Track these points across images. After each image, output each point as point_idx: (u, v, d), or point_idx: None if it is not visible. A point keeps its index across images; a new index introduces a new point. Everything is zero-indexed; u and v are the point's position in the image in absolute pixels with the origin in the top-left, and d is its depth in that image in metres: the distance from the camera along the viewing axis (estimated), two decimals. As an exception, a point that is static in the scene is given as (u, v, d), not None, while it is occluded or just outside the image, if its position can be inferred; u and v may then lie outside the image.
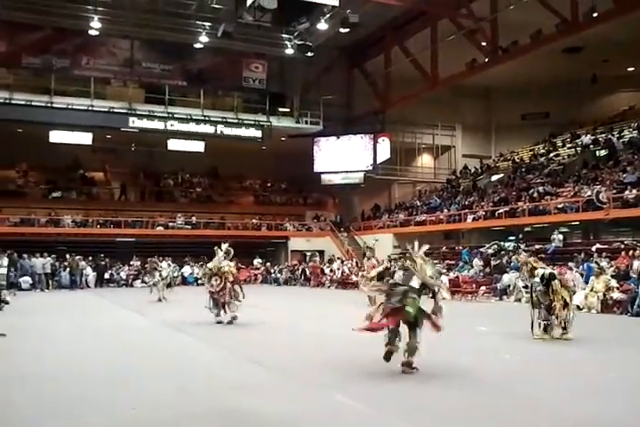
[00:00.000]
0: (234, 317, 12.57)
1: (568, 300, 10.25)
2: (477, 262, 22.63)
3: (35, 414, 5.80)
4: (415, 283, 7.46)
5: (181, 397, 6.36)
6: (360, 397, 6.30)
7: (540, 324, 10.29)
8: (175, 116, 30.78)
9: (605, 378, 7.41)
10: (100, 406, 6.04)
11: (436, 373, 7.63)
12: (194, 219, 31.98)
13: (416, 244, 7.92)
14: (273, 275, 30.78)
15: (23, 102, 28.00)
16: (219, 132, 31.39)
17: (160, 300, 18.96)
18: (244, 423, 5.50)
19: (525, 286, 18.57)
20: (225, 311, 12.71)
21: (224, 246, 13.21)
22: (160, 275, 19.44)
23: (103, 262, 27.90)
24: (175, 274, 27.60)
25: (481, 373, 7.70)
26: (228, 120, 31.97)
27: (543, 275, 10.23)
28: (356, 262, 27.31)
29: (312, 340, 10.63)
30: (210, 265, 13.03)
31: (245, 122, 32.23)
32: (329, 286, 27.86)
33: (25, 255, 24.95)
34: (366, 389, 6.74)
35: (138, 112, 30.11)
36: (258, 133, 32.01)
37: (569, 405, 6.14)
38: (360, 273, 19.18)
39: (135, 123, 29.43)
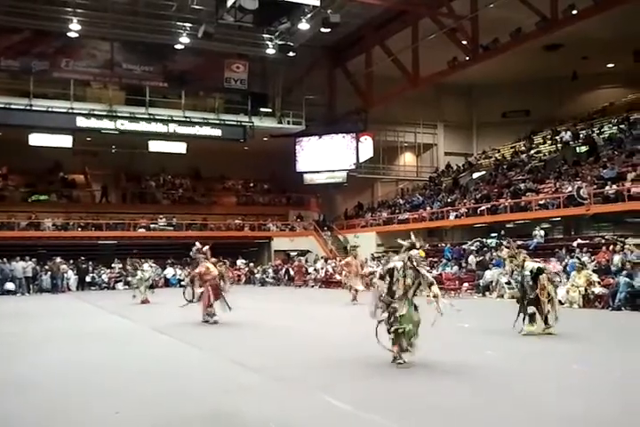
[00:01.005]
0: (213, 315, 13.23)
1: (553, 294, 10.46)
2: (473, 260, 22.55)
3: (18, 420, 5.75)
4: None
5: (170, 400, 6.34)
6: (348, 398, 6.29)
7: (525, 317, 10.41)
8: (156, 117, 30.60)
9: (590, 374, 7.46)
10: (85, 412, 5.99)
11: (420, 371, 7.66)
12: (174, 220, 31.75)
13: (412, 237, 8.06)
14: (257, 275, 30.68)
15: (2, 105, 27.70)
16: (200, 133, 31.22)
17: (143, 302, 18.87)
18: (234, 425, 5.48)
19: (508, 282, 18.79)
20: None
21: (197, 246, 13.92)
22: (142, 277, 19.34)
23: (85, 265, 27.70)
24: (157, 276, 27.67)
25: (464, 369, 7.74)
26: (210, 121, 31.85)
27: (532, 269, 10.44)
28: (339, 260, 27.30)
29: (299, 341, 10.62)
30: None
31: (227, 122, 32.12)
32: (312, 286, 27.85)
33: (5, 259, 24.69)
34: (354, 389, 6.75)
35: (119, 114, 29.90)
36: (240, 134, 31.90)
37: (555, 401, 6.17)
38: (344, 272, 19.16)
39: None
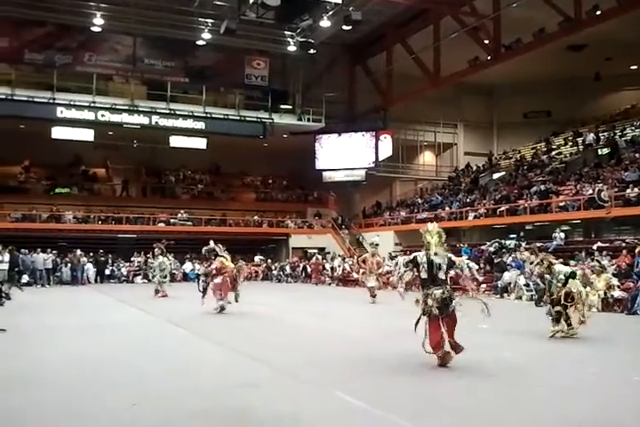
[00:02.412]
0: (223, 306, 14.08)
1: (582, 297, 10.30)
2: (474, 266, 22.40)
3: (36, 412, 5.82)
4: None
5: (185, 394, 6.37)
6: (362, 395, 6.30)
7: (552, 318, 10.36)
8: (177, 113, 30.77)
9: (607, 377, 7.42)
10: (103, 403, 6.06)
11: (437, 370, 7.66)
12: (185, 215, 31.77)
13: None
14: (274, 272, 30.76)
15: (25, 98, 28.00)
16: (220, 129, 31.34)
17: (162, 296, 18.97)
18: (247, 421, 5.50)
19: (527, 284, 18.74)
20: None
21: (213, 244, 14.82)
22: (161, 263, 19.45)
23: (103, 258, 27.94)
24: (176, 270, 27.91)
25: (482, 370, 7.73)
26: (230, 117, 31.96)
27: (565, 273, 10.33)
28: (357, 259, 27.30)
29: (314, 338, 10.64)
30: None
31: (247, 119, 32.22)
32: (330, 284, 27.88)
33: (26, 251, 24.97)
34: (368, 387, 6.75)
35: (140, 108, 30.10)
36: (259, 131, 31.98)
37: (569, 404, 6.15)
38: (361, 270, 19.17)
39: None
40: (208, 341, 10.31)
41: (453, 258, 8.05)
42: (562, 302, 10.16)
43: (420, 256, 7.95)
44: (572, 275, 10.30)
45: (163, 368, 7.83)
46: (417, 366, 7.79)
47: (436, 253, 7.86)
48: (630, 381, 7.15)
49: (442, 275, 7.88)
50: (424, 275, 7.91)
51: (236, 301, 14.15)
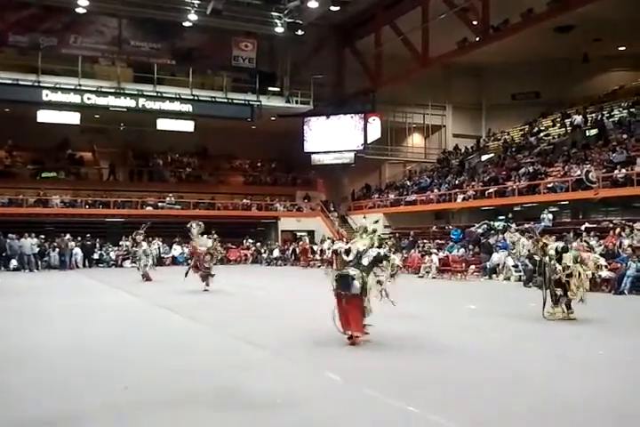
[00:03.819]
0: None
1: (584, 277, 10.03)
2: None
3: (30, 392, 5.83)
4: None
5: (177, 375, 6.40)
6: (353, 375, 6.38)
7: (550, 299, 10.20)
8: (164, 95, 30.49)
9: (594, 357, 7.49)
10: (96, 385, 6.07)
11: (426, 349, 7.78)
12: (173, 199, 31.63)
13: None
14: (264, 255, 30.77)
15: (10, 81, 27.64)
16: (207, 111, 31.12)
17: (147, 279, 18.99)
18: (240, 402, 5.54)
19: (515, 265, 18.87)
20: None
21: (194, 224, 15.80)
22: (145, 249, 19.47)
23: (90, 242, 27.78)
24: (165, 254, 27.85)
25: (470, 350, 7.81)
26: (218, 99, 31.73)
27: (556, 248, 10.18)
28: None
29: (304, 319, 10.65)
30: (199, 247, 15.66)
31: (235, 101, 32.00)
32: (319, 266, 27.90)
33: (13, 236, 24.81)
34: (358, 367, 6.81)
35: (127, 90, 29.81)
36: (247, 113, 31.78)
37: (554, 382, 6.21)
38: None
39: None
40: (197, 322, 10.34)
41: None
42: (563, 279, 9.95)
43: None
44: (565, 249, 10.16)
45: (155, 350, 7.86)
46: (405, 346, 7.89)
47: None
48: (623, 361, 7.21)
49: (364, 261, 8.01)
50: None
51: (207, 285, 15.30)
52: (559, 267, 9.97)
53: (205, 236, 16.28)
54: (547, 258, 10.24)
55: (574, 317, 10.10)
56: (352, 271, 7.86)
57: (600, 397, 5.67)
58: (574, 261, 10.04)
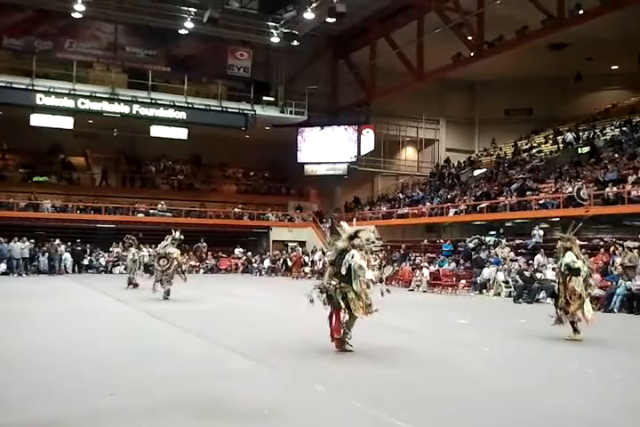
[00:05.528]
0: (167, 291, 15.06)
1: (586, 299, 9.71)
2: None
3: (15, 396, 5.75)
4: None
5: (161, 384, 6.34)
6: (339, 385, 6.37)
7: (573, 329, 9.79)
8: (158, 102, 30.48)
9: (583, 374, 7.47)
10: (80, 392, 6.01)
11: (414, 363, 7.74)
12: (165, 206, 31.42)
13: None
14: (255, 264, 30.63)
15: (3, 84, 27.54)
16: (201, 119, 31.11)
17: (134, 286, 18.86)
18: (226, 411, 5.49)
19: (506, 281, 18.88)
20: (162, 287, 15.18)
21: (176, 234, 15.59)
22: (134, 258, 19.32)
23: (80, 248, 27.61)
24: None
25: (459, 364, 7.77)
26: (212, 108, 31.73)
27: (568, 264, 9.64)
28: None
29: (291, 329, 10.63)
30: (158, 250, 15.83)
31: (229, 110, 32.02)
32: (310, 277, 27.82)
33: (2, 239, 24.64)
34: (345, 377, 6.79)
35: (121, 96, 29.77)
36: (241, 122, 31.78)
37: (543, 398, 6.17)
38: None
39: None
40: (185, 330, 10.25)
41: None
42: (572, 306, 9.54)
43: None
44: (576, 272, 9.57)
45: (142, 357, 7.80)
46: (392, 359, 7.86)
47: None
48: (612, 379, 7.19)
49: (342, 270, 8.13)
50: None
51: (165, 294, 15.10)
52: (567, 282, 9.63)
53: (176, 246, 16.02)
54: (565, 260, 9.70)
55: (580, 338, 9.73)
56: (331, 285, 8.15)
57: (587, 412, 5.64)
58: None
